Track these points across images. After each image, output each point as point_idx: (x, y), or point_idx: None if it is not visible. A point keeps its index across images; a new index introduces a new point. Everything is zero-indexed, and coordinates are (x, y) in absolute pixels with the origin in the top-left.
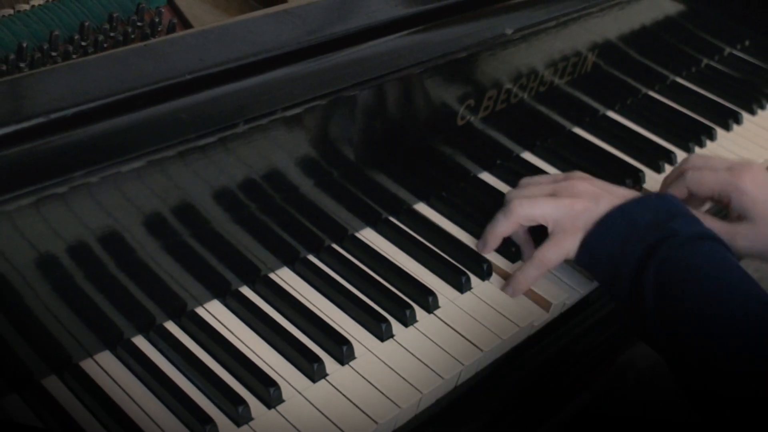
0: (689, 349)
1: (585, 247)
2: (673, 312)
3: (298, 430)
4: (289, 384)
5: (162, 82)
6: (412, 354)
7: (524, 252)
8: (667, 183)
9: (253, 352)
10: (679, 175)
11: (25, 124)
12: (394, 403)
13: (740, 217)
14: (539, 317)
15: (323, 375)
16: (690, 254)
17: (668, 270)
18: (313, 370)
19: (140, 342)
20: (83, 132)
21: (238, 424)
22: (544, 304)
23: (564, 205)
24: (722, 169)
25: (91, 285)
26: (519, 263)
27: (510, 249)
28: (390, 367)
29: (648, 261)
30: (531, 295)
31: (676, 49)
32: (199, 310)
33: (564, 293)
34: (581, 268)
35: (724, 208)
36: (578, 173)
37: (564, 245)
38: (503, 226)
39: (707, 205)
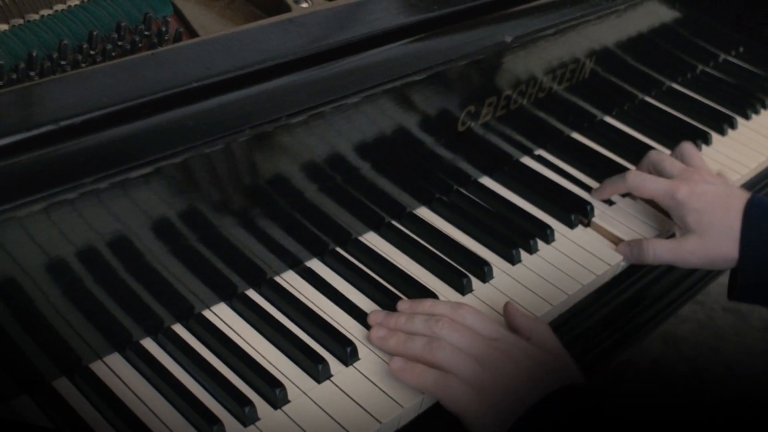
0: None
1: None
2: None
3: (303, 429)
4: (295, 385)
5: (169, 90)
6: None
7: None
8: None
9: (259, 354)
10: (621, 176)
11: (35, 132)
12: (397, 402)
13: (682, 229)
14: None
15: (328, 376)
16: None
17: None
18: (317, 371)
19: (148, 344)
20: (92, 139)
21: (245, 425)
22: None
23: (479, 380)
24: (667, 175)
25: (101, 288)
26: (519, 265)
27: (510, 252)
28: None
29: None
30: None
31: (672, 56)
32: (206, 313)
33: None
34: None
35: None
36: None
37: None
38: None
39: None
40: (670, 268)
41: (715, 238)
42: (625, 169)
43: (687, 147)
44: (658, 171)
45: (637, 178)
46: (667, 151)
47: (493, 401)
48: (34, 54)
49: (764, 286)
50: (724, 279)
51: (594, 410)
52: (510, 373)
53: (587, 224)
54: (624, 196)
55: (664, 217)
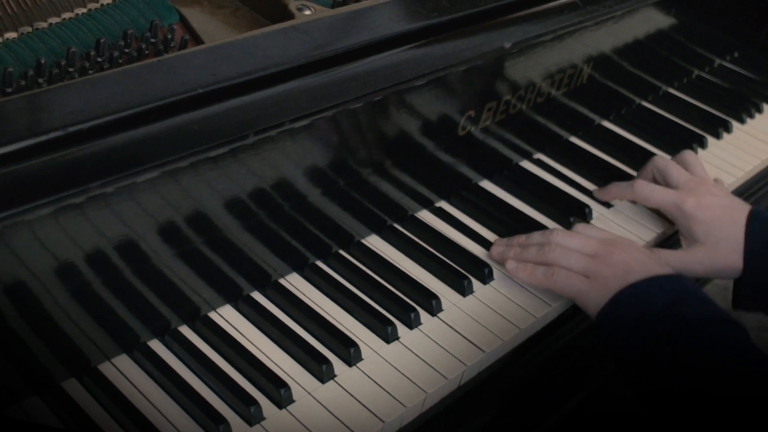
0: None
1: (599, 320)
2: (685, 394)
3: (308, 429)
4: (299, 385)
5: (175, 96)
6: (417, 355)
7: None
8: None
9: (265, 355)
10: (629, 184)
11: (43, 137)
12: (400, 402)
13: (688, 240)
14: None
15: (332, 376)
16: (702, 341)
17: (682, 360)
18: (322, 371)
19: (156, 346)
20: (99, 144)
21: (251, 424)
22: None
23: (594, 265)
24: (672, 184)
25: (108, 291)
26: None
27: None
28: (396, 368)
29: (660, 347)
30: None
31: (668, 61)
32: (213, 315)
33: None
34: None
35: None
36: (622, 243)
37: (576, 285)
38: (539, 276)
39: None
40: None
41: (722, 249)
42: (622, 172)
43: (689, 156)
44: (664, 178)
45: (645, 189)
46: (665, 155)
47: (604, 282)
48: (43, 61)
49: (765, 294)
50: (720, 281)
51: (693, 291)
52: (620, 259)
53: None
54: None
55: (662, 221)
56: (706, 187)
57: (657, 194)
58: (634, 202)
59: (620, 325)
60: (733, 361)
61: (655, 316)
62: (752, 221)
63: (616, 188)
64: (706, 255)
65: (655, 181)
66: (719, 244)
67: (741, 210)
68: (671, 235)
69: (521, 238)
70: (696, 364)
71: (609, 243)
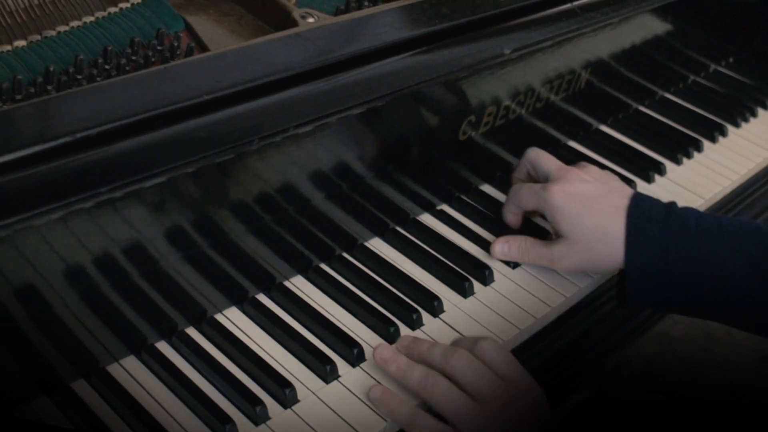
0: None
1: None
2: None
3: (312, 428)
4: (304, 385)
5: (181, 103)
6: None
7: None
8: (513, 181)
9: (270, 356)
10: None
11: (52, 144)
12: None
13: (556, 233)
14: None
15: (335, 376)
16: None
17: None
18: (326, 371)
19: (163, 347)
20: (107, 150)
21: (256, 424)
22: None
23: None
24: (542, 174)
25: (116, 294)
26: (518, 270)
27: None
28: None
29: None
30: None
31: (665, 66)
32: (218, 317)
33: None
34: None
35: None
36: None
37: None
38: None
39: None
40: None
41: (587, 243)
42: (619, 175)
43: (534, 153)
44: (535, 170)
45: (515, 195)
46: (662, 158)
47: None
48: (51, 69)
49: (652, 289)
50: None
51: None
52: (503, 418)
53: None
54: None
55: None
56: (575, 173)
57: (523, 196)
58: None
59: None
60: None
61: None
62: (633, 208)
63: (505, 212)
64: (570, 249)
65: (530, 176)
66: (584, 237)
67: (619, 195)
68: None
69: (423, 347)
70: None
71: (505, 384)
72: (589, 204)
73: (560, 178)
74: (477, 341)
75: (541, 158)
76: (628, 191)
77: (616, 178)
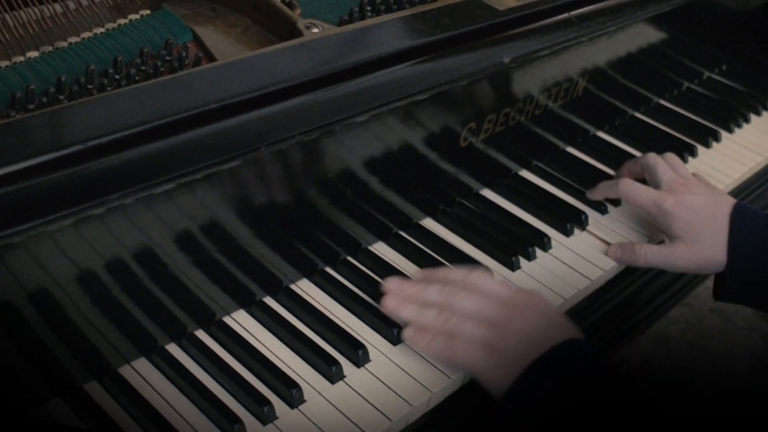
0: None
1: (504, 406)
2: None
3: (318, 427)
4: (310, 385)
5: (189, 111)
6: (422, 356)
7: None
8: (623, 171)
9: (277, 357)
10: (615, 182)
11: (64, 151)
12: (406, 401)
13: (671, 237)
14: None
15: (341, 377)
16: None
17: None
18: (331, 372)
19: (173, 349)
20: (118, 158)
21: (264, 423)
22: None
23: (494, 339)
24: (657, 181)
25: (127, 297)
26: (518, 272)
27: (510, 259)
28: (402, 369)
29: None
30: None
31: (660, 74)
32: (227, 319)
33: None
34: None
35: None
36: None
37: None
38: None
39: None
40: (658, 274)
41: (702, 244)
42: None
43: (673, 158)
44: (650, 175)
45: (627, 187)
46: None
47: (504, 356)
48: (63, 79)
49: (749, 287)
50: (710, 283)
51: (594, 365)
52: (520, 328)
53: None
54: (616, 205)
55: (653, 226)
56: (687, 187)
57: (637, 193)
58: (620, 204)
59: (527, 407)
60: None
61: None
62: (735, 215)
63: (603, 187)
64: (686, 250)
65: (640, 179)
66: (699, 239)
67: (724, 204)
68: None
69: (418, 289)
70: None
71: (509, 306)
72: (698, 211)
73: (673, 189)
74: (468, 274)
75: (658, 167)
76: (731, 200)
77: (719, 189)
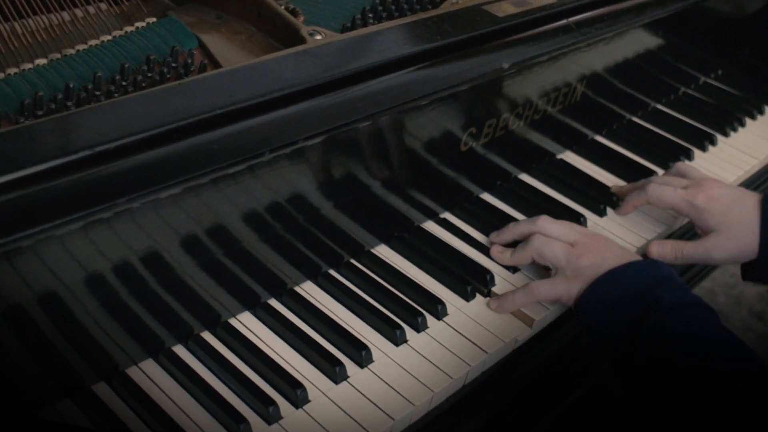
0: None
1: (578, 308)
2: (664, 376)
3: (323, 427)
4: (314, 386)
5: (195, 117)
6: (424, 357)
7: (524, 278)
8: (626, 191)
9: (281, 358)
10: (641, 187)
11: (72, 157)
12: (409, 401)
13: (704, 231)
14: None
15: (344, 377)
16: (676, 323)
17: (657, 341)
18: (335, 372)
19: (180, 350)
20: (125, 163)
21: (269, 423)
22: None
23: (573, 255)
24: (680, 186)
25: (135, 300)
26: (518, 274)
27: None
28: (404, 369)
29: (637, 330)
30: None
31: (657, 79)
32: (232, 321)
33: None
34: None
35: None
36: (599, 236)
37: (557, 288)
38: (520, 256)
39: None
40: None
41: (737, 233)
42: (612, 184)
43: (683, 165)
44: (667, 186)
45: (656, 191)
46: (654, 167)
47: (581, 269)
48: (71, 85)
49: None
50: (707, 284)
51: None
52: (597, 248)
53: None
54: (614, 207)
55: (651, 228)
56: (709, 183)
57: (667, 195)
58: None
59: (598, 311)
60: (706, 346)
61: (631, 299)
62: (765, 203)
63: (632, 198)
64: (724, 240)
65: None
66: (734, 229)
67: (751, 196)
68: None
69: (510, 227)
70: (671, 347)
71: (589, 234)
72: (730, 203)
73: (699, 185)
74: (551, 218)
75: (688, 167)
76: (754, 192)
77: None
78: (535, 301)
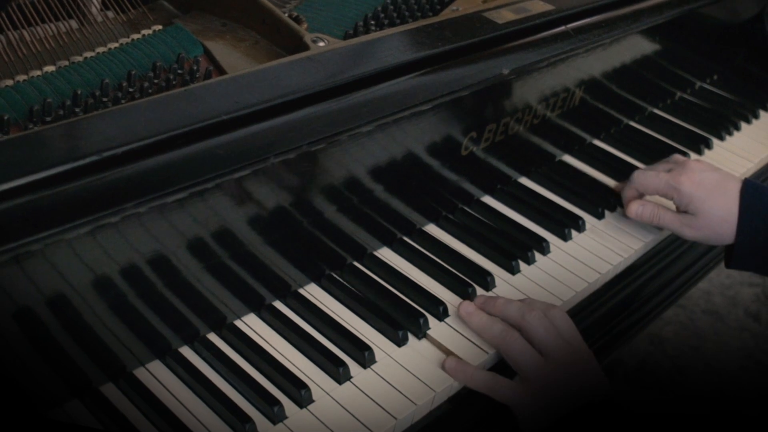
0: None
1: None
2: None
3: (326, 426)
4: (318, 386)
5: (200, 123)
6: (426, 357)
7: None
8: (619, 188)
9: (286, 359)
10: (629, 178)
11: (80, 162)
12: (411, 401)
13: (684, 211)
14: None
15: (348, 377)
16: None
17: None
18: (339, 373)
19: (186, 352)
20: (132, 168)
21: (274, 423)
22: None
23: (541, 377)
24: (664, 170)
25: (142, 302)
26: (518, 275)
27: (510, 263)
28: (407, 369)
29: None
30: None
31: (653, 84)
32: (238, 323)
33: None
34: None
35: None
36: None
37: (514, 392)
38: (487, 336)
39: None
40: (656, 275)
41: (715, 218)
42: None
43: (673, 155)
44: (651, 171)
45: (640, 177)
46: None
47: (545, 391)
48: (79, 92)
49: (756, 255)
50: (703, 285)
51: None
52: (566, 375)
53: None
54: (612, 210)
55: (651, 231)
56: (693, 165)
57: (651, 180)
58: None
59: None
60: None
61: None
62: (745, 191)
63: (626, 192)
64: (700, 224)
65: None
66: (712, 216)
67: (733, 181)
68: (663, 247)
69: (500, 302)
70: None
71: (570, 351)
72: (712, 188)
73: (684, 168)
74: (549, 307)
75: (676, 155)
76: (737, 177)
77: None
78: (484, 391)
